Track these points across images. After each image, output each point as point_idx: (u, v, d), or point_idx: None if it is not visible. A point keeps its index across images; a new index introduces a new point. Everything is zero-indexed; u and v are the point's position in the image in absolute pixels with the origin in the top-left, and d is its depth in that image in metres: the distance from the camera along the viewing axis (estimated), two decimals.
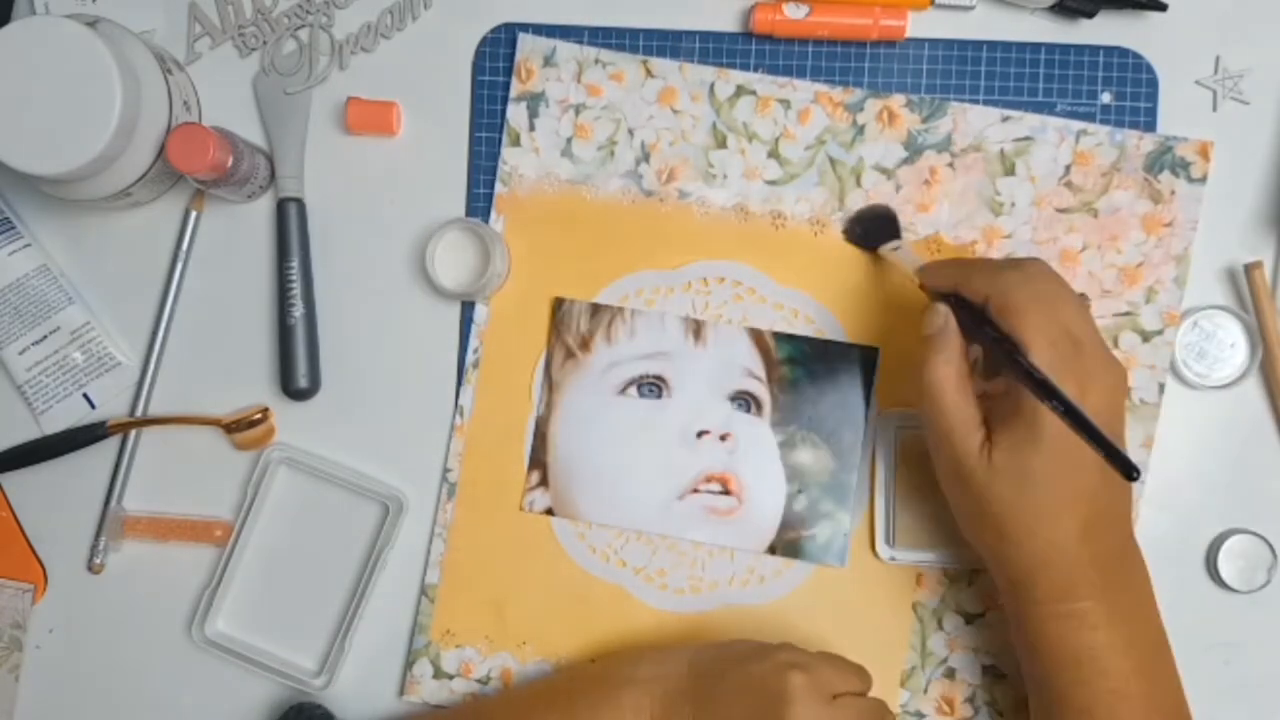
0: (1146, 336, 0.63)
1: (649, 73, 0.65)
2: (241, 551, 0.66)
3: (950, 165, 0.64)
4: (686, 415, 0.64)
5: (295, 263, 0.65)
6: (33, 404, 0.66)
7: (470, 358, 0.65)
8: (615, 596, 0.65)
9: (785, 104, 0.64)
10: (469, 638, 0.65)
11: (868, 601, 0.64)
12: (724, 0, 0.65)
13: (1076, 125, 0.63)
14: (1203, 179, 0.63)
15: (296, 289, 0.65)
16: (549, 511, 0.65)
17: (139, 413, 0.67)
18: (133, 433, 0.66)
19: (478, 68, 0.66)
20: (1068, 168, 0.63)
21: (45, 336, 0.66)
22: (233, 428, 0.66)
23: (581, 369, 0.65)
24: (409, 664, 0.65)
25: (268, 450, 0.66)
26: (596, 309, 0.65)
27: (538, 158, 0.65)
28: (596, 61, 0.65)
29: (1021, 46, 0.64)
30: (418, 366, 0.66)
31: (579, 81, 0.65)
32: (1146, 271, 0.63)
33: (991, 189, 0.63)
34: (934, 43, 0.64)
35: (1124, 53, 0.63)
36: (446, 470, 0.65)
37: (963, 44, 0.64)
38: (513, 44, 0.65)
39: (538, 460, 0.65)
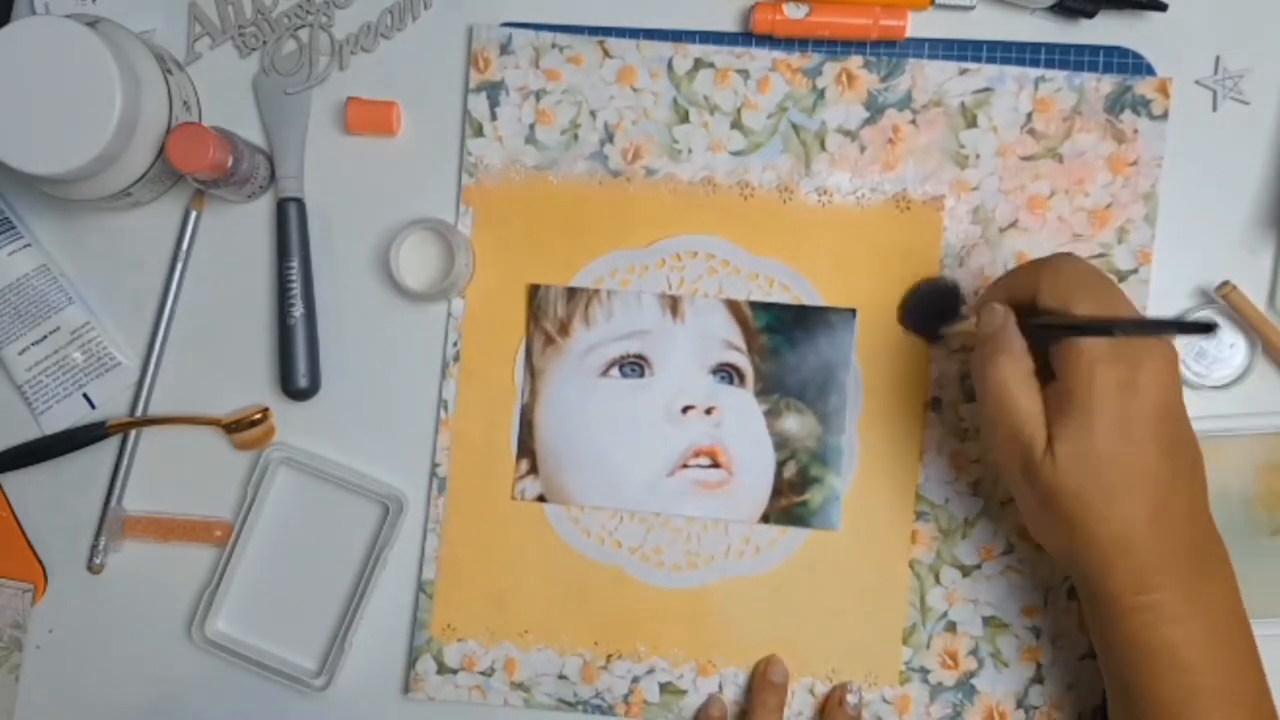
0: (1122, 276, 0.63)
1: (606, 53, 0.64)
2: (241, 551, 0.66)
3: (913, 122, 0.63)
4: (670, 392, 0.64)
5: (295, 263, 0.65)
6: (33, 404, 0.66)
7: (449, 351, 0.65)
8: (613, 578, 0.65)
9: (744, 74, 0.64)
10: (470, 631, 0.65)
11: (864, 562, 0.64)
12: (724, 0, 0.65)
13: (1034, 72, 0.63)
14: (1164, 115, 0.62)
15: (296, 289, 0.65)
16: (541, 498, 0.65)
17: (139, 413, 0.67)
18: (133, 433, 0.66)
19: None
20: (1029, 115, 0.63)
21: (45, 336, 0.66)
22: (233, 428, 0.66)
23: (562, 354, 0.65)
24: (411, 661, 0.65)
25: (268, 450, 0.66)
26: (573, 293, 0.65)
27: (501, 146, 0.65)
28: (553, 46, 0.65)
29: (1021, 46, 0.64)
30: (417, 366, 0.66)
31: (537, 67, 0.65)
32: (1116, 212, 0.63)
33: (955, 142, 0.63)
34: (934, 43, 0.64)
35: (1124, 53, 0.63)
36: (435, 465, 0.65)
37: (963, 44, 0.64)
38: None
39: (526, 448, 0.65)
